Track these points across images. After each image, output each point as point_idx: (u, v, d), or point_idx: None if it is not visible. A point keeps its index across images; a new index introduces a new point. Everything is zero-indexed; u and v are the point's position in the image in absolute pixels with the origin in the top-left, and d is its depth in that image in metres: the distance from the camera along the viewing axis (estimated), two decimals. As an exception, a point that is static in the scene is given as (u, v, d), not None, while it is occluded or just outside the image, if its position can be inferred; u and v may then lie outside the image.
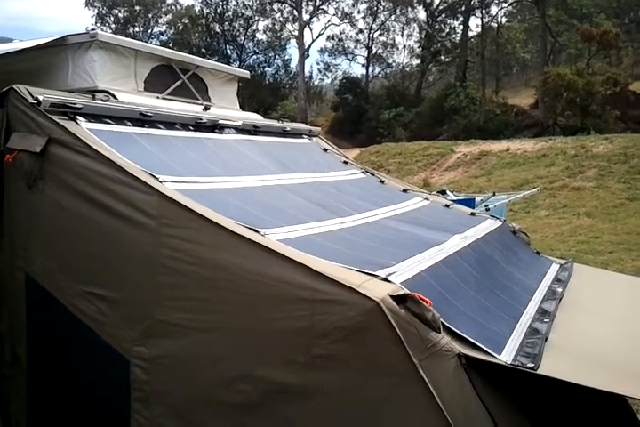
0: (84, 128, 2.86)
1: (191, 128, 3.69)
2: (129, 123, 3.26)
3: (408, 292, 2.18)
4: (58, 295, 2.73)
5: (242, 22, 52.65)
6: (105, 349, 2.58)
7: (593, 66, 35.36)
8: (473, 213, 4.51)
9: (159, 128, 3.43)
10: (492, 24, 46.01)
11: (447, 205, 4.58)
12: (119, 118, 3.22)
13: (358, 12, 50.97)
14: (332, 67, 54.43)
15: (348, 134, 41.63)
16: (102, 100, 3.24)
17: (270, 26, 53.01)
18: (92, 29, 3.74)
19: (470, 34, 46.71)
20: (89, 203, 2.63)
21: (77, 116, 2.92)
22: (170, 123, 3.55)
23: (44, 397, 2.89)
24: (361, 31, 51.55)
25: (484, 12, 44.59)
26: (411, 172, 25.60)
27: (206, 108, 4.25)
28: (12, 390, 2.95)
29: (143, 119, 3.34)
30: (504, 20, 48.51)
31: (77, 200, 2.66)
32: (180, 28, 53.82)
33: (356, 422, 2.15)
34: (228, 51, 53.37)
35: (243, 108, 5.33)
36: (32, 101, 2.78)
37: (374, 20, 50.96)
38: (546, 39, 40.73)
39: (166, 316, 2.43)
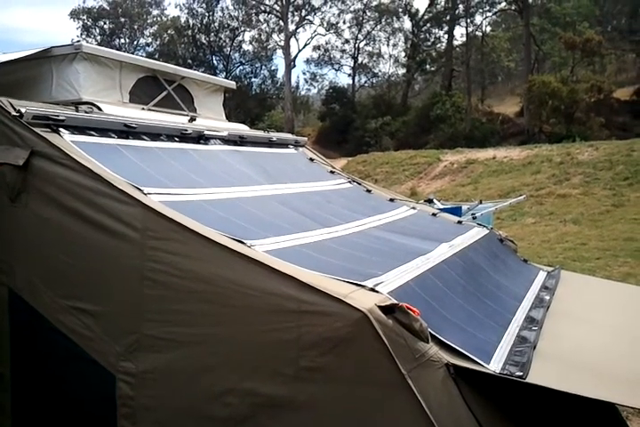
0: (67, 140, 2.84)
1: (176, 139, 3.67)
2: (113, 135, 3.23)
3: (395, 302, 2.17)
4: (42, 310, 2.70)
5: (228, 33, 52.78)
6: (91, 364, 2.55)
7: (577, 73, 35.74)
8: (460, 222, 4.51)
9: (144, 140, 3.41)
10: (477, 33, 46.39)
11: (434, 214, 4.59)
12: (103, 130, 3.19)
13: (344, 23, 51.34)
14: (318, 77, 54.66)
15: (336, 144, 41.71)
16: (86, 112, 3.22)
17: (256, 36, 53.18)
18: (78, 41, 3.73)
19: (455, 43, 47.09)
20: (73, 216, 2.60)
21: (61, 129, 2.90)
22: (155, 134, 3.53)
23: (29, 413, 2.85)
24: (347, 41, 51.82)
25: (468, 21, 44.93)
26: (398, 181, 25.67)
27: (192, 119, 4.23)
28: (-4, 406, 2.90)
29: (127, 131, 3.32)
30: (488, 29, 48.96)
31: (61, 213, 2.64)
32: (166, 39, 53.83)
33: (345, 433, 2.13)
34: (215, 62, 53.50)
35: (229, 118, 5.33)
36: (14, 114, 2.76)
37: (360, 30, 51.23)
38: (530, 48, 41.04)
39: (152, 330, 2.41)
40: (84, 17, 53.76)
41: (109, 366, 2.51)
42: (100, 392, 2.59)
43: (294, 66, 50.17)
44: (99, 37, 53.98)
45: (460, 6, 45.02)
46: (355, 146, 38.91)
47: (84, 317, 2.57)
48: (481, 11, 45.42)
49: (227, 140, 4.12)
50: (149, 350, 2.42)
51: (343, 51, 52.31)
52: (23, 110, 2.77)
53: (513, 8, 42.65)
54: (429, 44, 49.73)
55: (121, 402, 2.49)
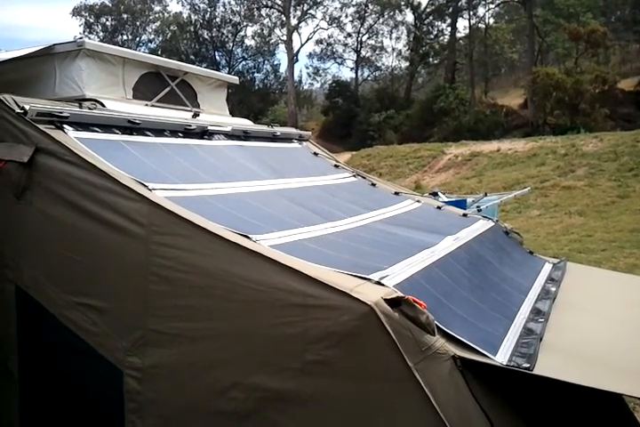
0: (71, 137, 2.84)
1: (180, 135, 3.67)
2: (117, 131, 3.23)
3: (402, 295, 2.17)
4: (49, 307, 2.70)
5: (230, 28, 52.76)
6: (98, 359, 2.56)
7: (581, 65, 35.52)
8: (465, 215, 4.50)
9: (148, 135, 3.41)
10: (480, 25, 46.23)
11: (439, 207, 4.58)
12: (107, 126, 3.19)
13: (346, 16, 51.18)
14: (321, 71, 54.58)
15: (339, 138, 41.67)
16: (89, 109, 3.22)
17: (259, 31, 53.18)
18: (80, 38, 3.73)
19: (458, 35, 46.91)
20: (78, 212, 2.60)
21: (64, 125, 2.90)
22: (158, 130, 3.53)
23: (37, 409, 2.86)
24: (349, 35, 51.72)
25: (471, 13, 44.76)
26: (402, 174, 25.65)
27: (196, 115, 4.23)
28: (4, 403, 2.92)
29: (131, 127, 3.32)
30: (491, 21, 48.75)
31: (66, 210, 2.64)
32: (169, 35, 53.86)
33: (352, 427, 2.14)
34: (217, 57, 53.51)
35: (233, 114, 5.32)
36: (18, 111, 2.76)
37: (362, 24, 51.13)
38: (533, 39, 40.90)
39: (158, 325, 2.41)
40: (87, 14, 53.74)
41: (116, 361, 2.52)
42: (108, 387, 2.60)
43: (297, 60, 49.97)
44: (101, 34, 54.02)
45: (463, -2, 44.87)
46: (358, 140, 38.86)
47: (90, 313, 2.58)
48: (484, 2, 45.22)
49: (230, 136, 4.12)
50: (155, 345, 2.42)
51: (346, 45, 52.26)
52: (27, 107, 2.77)
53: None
54: (432, 36, 49.56)
55: (128, 397, 2.50)
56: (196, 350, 2.35)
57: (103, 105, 3.54)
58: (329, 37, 52.63)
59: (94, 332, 2.58)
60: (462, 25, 57.93)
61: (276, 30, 52.21)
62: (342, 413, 2.14)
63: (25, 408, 2.88)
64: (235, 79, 5.41)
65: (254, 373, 2.25)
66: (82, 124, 3.03)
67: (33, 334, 2.83)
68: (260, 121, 26.11)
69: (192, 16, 52.63)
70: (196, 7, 52.10)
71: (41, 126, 2.76)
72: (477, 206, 7.96)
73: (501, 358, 2.34)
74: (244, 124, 4.77)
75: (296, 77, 51.77)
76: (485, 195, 9.79)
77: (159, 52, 47.14)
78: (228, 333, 2.30)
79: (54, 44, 3.74)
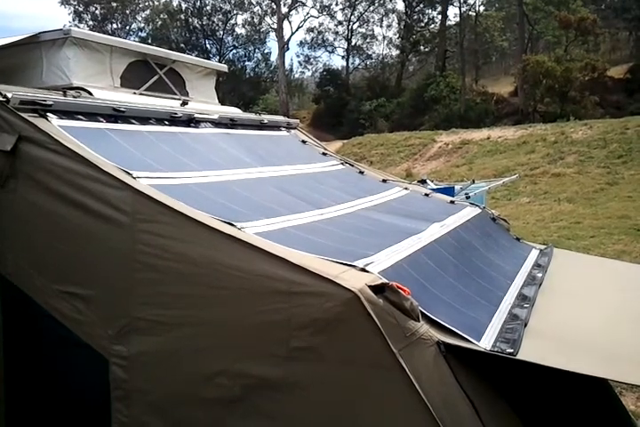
0: (55, 125, 2.81)
1: (166, 123, 3.65)
2: (102, 119, 3.21)
3: (386, 281, 2.18)
4: (33, 295, 2.69)
5: (220, 17, 52.57)
6: (83, 348, 2.55)
7: (571, 52, 35.58)
8: (452, 202, 4.51)
9: (133, 123, 3.39)
10: (470, 13, 46.12)
11: (427, 194, 4.58)
12: (92, 115, 3.17)
13: (337, 4, 51.04)
14: (312, 59, 54.60)
15: (331, 126, 41.65)
16: (74, 97, 3.20)
17: (249, 19, 53.05)
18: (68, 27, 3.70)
19: (449, 23, 46.88)
20: (62, 201, 2.58)
21: (48, 113, 2.87)
22: (144, 118, 3.51)
23: (22, 399, 2.85)
24: (340, 23, 51.68)
25: (461, 1, 44.65)
26: (393, 162, 25.69)
27: (184, 103, 4.21)
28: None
29: (116, 115, 3.30)
30: (482, 8, 48.68)
31: (50, 198, 2.62)
32: (159, 23, 53.53)
33: (337, 413, 2.14)
34: (208, 45, 53.35)
35: (223, 102, 5.30)
36: (0, 99, 2.74)
37: (353, 12, 51.00)
38: (523, 27, 40.88)
39: (143, 313, 2.41)
40: (75, 2, 53.27)
41: (102, 349, 2.51)
42: (94, 376, 2.59)
43: (288, 49, 49.87)
44: (90, 23, 53.58)
45: (454, -15, 44.74)
46: (350, 128, 38.87)
47: (75, 301, 2.57)
48: (474, -10, 45.16)
49: (217, 124, 4.09)
50: (141, 333, 2.42)
51: (336, 33, 52.25)
52: (9, 95, 2.74)
53: (506, -13, 42.41)
54: (423, 24, 49.56)
55: (114, 385, 2.50)
56: (181, 337, 2.35)
57: (91, 93, 3.51)
58: (319, 25, 52.75)
59: (80, 320, 2.57)
60: (453, 13, 57.82)
61: (267, 18, 52.15)
62: (328, 399, 2.14)
63: (10, 397, 2.87)
64: (223, 67, 5.39)
65: (240, 360, 2.25)
66: (66, 113, 3.00)
67: (17, 323, 2.82)
68: (251, 109, 26.01)
69: (182, 4, 52.50)
70: (186, -5, 51.83)
71: (24, 115, 2.73)
72: (466, 193, 7.99)
73: (485, 343, 2.35)
74: (233, 112, 4.76)
75: (287, 66, 51.73)
76: (473, 182, 9.83)
77: (149, 41, 46.87)
78: (214, 320, 2.30)
79: (40, 33, 3.71)
